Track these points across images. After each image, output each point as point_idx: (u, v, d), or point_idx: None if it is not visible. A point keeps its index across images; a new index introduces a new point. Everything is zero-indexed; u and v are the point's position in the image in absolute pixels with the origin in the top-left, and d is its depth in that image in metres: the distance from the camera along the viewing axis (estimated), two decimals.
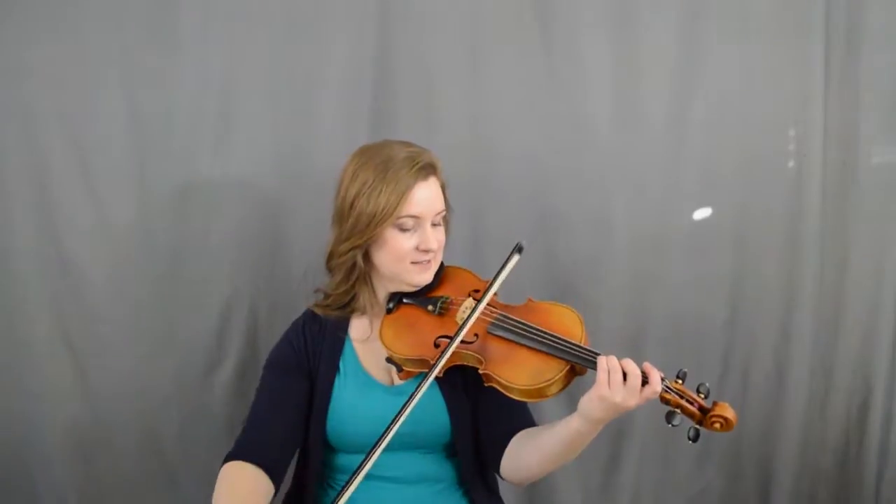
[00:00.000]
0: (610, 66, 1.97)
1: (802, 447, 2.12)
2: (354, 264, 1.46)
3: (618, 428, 2.08)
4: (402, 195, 1.40)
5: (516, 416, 1.46)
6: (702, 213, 2.05)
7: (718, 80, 1.99)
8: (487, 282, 1.49)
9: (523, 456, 1.41)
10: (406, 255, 1.44)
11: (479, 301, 1.38)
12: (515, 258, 1.36)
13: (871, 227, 2.06)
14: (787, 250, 2.06)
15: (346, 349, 1.52)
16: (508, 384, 1.33)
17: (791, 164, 2.05)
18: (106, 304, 1.81)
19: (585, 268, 2.01)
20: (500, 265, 1.36)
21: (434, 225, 1.47)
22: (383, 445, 1.28)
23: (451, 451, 1.52)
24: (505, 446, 1.43)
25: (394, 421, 1.29)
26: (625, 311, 2.03)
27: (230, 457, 1.40)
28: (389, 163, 1.41)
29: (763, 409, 2.11)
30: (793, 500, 2.13)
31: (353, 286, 1.49)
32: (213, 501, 1.33)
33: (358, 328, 1.54)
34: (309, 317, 1.55)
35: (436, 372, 1.33)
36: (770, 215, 2.05)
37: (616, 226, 2.01)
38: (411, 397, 1.30)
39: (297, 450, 1.51)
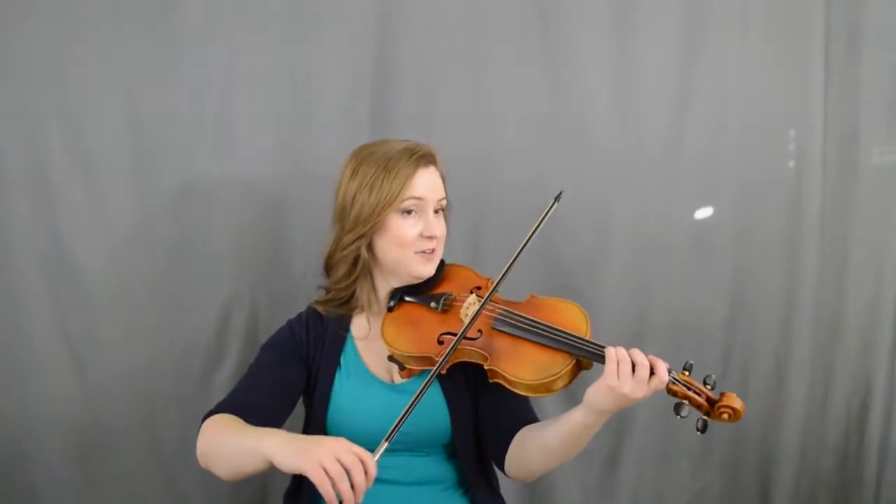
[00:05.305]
0: (610, 66, 1.97)
1: (802, 447, 2.12)
2: (358, 257, 1.47)
3: (618, 426, 2.08)
4: (405, 180, 1.42)
5: (519, 412, 1.46)
6: (703, 213, 2.05)
7: (718, 80, 2.00)
8: (489, 279, 1.50)
9: (527, 452, 1.40)
10: (410, 243, 1.45)
11: (508, 264, 1.39)
12: (555, 206, 1.44)
13: (871, 227, 2.06)
14: (787, 250, 2.06)
15: (348, 346, 1.52)
16: (514, 379, 1.33)
17: (791, 164, 2.06)
18: (106, 304, 1.81)
19: (585, 268, 2.01)
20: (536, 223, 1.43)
21: (436, 212, 1.48)
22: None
23: (452, 451, 1.52)
24: (509, 442, 1.43)
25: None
26: (625, 311, 2.03)
27: (208, 415, 1.36)
28: (389, 154, 1.44)
29: (763, 409, 2.11)
30: (793, 501, 2.13)
31: (354, 281, 1.50)
32: (203, 447, 1.29)
33: (359, 326, 1.54)
34: (312, 312, 1.56)
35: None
36: (770, 215, 2.06)
37: (616, 226, 2.01)
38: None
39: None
